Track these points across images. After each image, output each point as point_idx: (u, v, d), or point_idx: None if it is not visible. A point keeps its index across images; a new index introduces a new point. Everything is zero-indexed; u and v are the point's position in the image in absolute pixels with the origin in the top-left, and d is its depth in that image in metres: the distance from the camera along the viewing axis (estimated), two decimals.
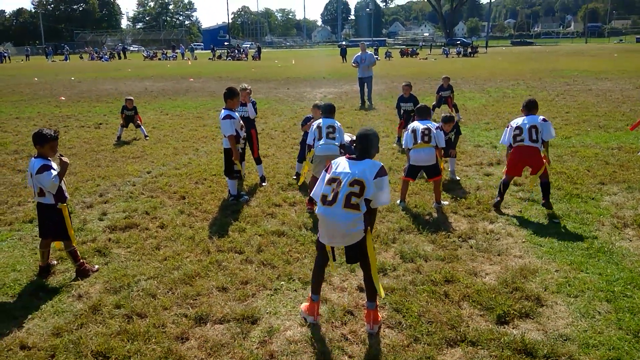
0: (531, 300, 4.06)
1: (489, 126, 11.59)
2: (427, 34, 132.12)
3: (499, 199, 6.21)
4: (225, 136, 6.41)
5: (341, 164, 3.69)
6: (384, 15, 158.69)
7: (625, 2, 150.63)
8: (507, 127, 6.20)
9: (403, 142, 6.57)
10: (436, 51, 62.56)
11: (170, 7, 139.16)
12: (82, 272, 4.59)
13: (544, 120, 6.01)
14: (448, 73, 14.73)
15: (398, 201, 6.42)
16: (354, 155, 3.74)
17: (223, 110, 6.43)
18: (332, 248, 3.83)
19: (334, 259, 3.87)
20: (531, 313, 3.91)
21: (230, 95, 6.41)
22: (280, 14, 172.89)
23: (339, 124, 6.37)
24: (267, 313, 4.04)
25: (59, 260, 4.93)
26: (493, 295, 4.13)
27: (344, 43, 75.82)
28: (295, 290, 4.40)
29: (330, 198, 3.61)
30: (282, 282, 4.51)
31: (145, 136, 10.94)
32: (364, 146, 3.72)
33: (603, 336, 3.56)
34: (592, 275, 4.43)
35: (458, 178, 7.47)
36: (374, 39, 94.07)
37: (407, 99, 10.25)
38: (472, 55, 50.47)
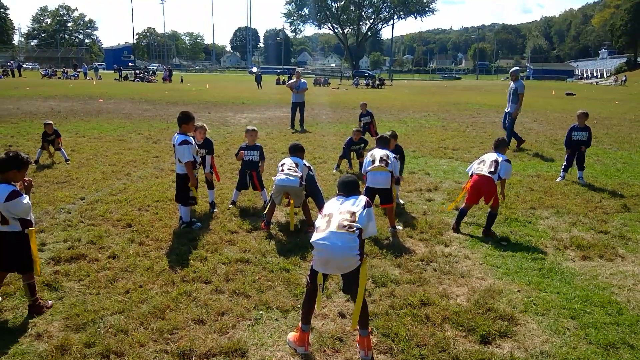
0: (506, 320, 4.29)
1: (416, 154, 12.16)
2: (334, 65, 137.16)
3: (455, 225, 6.61)
4: (180, 162, 6.09)
5: (332, 202, 3.91)
6: (292, 45, 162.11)
7: (508, 44, 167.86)
8: (476, 160, 6.79)
9: (363, 168, 6.73)
10: (345, 82, 64.95)
11: (70, 24, 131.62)
12: (37, 309, 4.11)
13: (506, 160, 6.47)
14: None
15: None
16: (342, 194, 3.97)
17: (178, 135, 6.12)
18: (324, 280, 3.77)
19: (322, 290, 3.81)
20: (509, 332, 4.11)
21: (186, 119, 6.15)
22: (188, 38, 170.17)
23: (304, 162, 6.58)
24: (254, 344, 3.88)
25: (4, 296, 4.36)
26: (471, 317, 4.30)
27: (254, 69, 76.28)
28: (277, 319, 4.26)
29: (323, 227, 3.66)
30: (261, 312, 4.36)
31: (66, 160, 10.15)
32: (350, 190, 3.97)
33: (578, 351, 3.84)
34: (552, 295, 4.78)
35: (402, 202, 7.74)
36: (284, 67, 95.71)
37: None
38: (380, 87, 53.00)
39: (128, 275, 4.98)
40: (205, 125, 7.25)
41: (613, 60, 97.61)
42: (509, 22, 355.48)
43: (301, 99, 16.60)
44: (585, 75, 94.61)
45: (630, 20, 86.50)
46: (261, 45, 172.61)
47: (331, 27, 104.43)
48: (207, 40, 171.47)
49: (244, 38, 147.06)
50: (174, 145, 6.18)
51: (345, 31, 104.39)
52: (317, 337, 3.98)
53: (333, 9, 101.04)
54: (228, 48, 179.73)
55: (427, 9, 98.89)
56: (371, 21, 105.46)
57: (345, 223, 3.63)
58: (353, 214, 3.70)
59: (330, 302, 4.57)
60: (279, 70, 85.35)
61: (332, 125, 17.77)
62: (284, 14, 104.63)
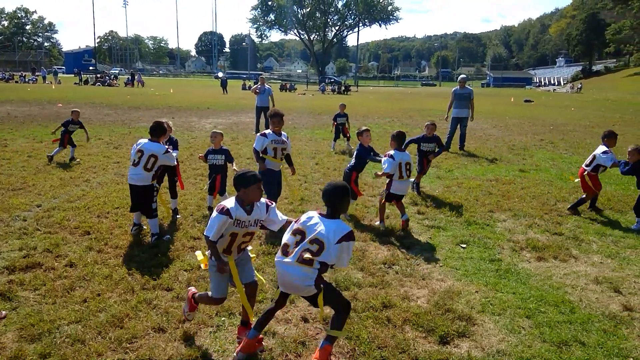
0: (464, 320, 4.39)
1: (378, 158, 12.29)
2: (300, 71, 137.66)
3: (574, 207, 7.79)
4: (148, 171, 5.87)
5: (312, 218, 3.55)
6: (258, 50, 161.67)
7: (469, 52, 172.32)
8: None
9: (386, 168, 6.73)
10: (312, 87, 65.17)
11: (28, 27, 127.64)
12: None
13: (603, 153, 7.58)
14: (327, 108, 15.28)
15: (378, 222, 6.91)
16: (326, 213, 3.56)
17: (153, 143, 5.91)
18: (281, 296, 3.76)
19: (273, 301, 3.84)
20: (467, 332, 4.21)
21: (163, 130, 6.08)
22: (152, 42, 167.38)
23: None
24: (215, 352, 3.85)
25: None
26: (431, 318, 4.39)
27: (220, 74, 75.67)
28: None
29: (290, 249, 3.53)
30: (223, 318, 4.33)
31: (72, 159, 10.82)
32: (331, 203, 3.53)
33: (532, 349, 3.97)
34: (508, 295, 4.93)
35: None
36: (251, 72, 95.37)
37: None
38: (345, 92, 53.42)
39: (86, 283, 4.86)
40: (169, 122, 7.10)
41: (569, 68, 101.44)
42: (470, 30, 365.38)
43: (265, 103, 16.54)
44: (543, 83, 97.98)
45: (586, 30, 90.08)
46: (227, 50, 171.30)
47: (297, 34, 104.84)
48: (172, 45, 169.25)
49: (210, 43, 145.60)
50: (140, 151, 5.88)
51: (312, 37, 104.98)
52: (279, 342, 3.98)
53: (299, 16, 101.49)
54: (193, 52, 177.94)
55: (391, 17, 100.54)
56: (337, 28, 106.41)
57: (307, 256, 3.41)
58: (321, 245, 3.40)
59: (294, 307, 4.58)
60: (245, 76, 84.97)
61: (297, 130, 17.80)
62: (250, 19, 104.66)
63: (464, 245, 6.28)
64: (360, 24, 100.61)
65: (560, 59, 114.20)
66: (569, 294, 4.96)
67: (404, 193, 6.87)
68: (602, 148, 7.64)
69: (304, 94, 49.53)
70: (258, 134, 6.85)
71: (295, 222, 3.66)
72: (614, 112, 30.88)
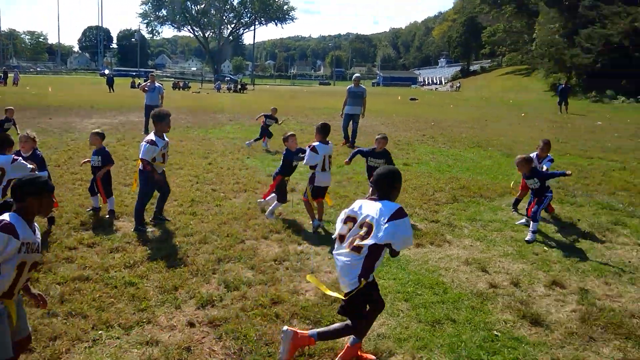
0: None
1: (275, 157, 12.35)
2: (194, 69, 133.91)
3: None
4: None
5: (361, 204, 3.53)
6: (149, 47, 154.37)
7: (361, 52, 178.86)
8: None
9: (305, 161, 6.78)
10: (207, 85, 63.69)
11: None
12: None
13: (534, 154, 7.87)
14: (222, 106, 14.95)
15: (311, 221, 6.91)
16: (374, 197, 3.52)
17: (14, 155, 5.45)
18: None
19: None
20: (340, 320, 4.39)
21: (10, 143, 5.60)
22: (29, 37, 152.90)
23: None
24: None
25: None
26: (317, 309, 4.52)
27: (106, 71, 71.20)
28: (118, 337, 4.03)
29: (345, 238, 3.52)
30: (101, 332, 4.09)
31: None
32: (381, 187, 3.49)
33: (409, 330, 4.24)
34: (389, 281, 5.21)
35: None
36: (141, 69, 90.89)
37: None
38: (242, 91, 52.88)
39: None
40: (32, 134, 6.54)
41: (450, 68, 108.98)
42: (362, 32, 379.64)
43: (155, 102, 15.76)
44: (427, 82, 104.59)
45: (465, 33, 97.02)
46: (114, 46, 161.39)
47: (191, 30, 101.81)
48: (52, 40, 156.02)
49: (95, 38, 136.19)
50: None
51: (207, 35, 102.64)
52: (162, 350, 3.86)
53: (193, 12, 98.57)
54: (76, 48, 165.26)
55: (287, 16, 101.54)
56: (232, 26, 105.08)
57: (357, 243, 3.38)
58: (370, 227, 3.35)
59: (179, 312, 4.47)
60: (134, 73, 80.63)
61: (191, 130, 17.31)
62: (140, 14, 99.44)
63: None
64: (257, 23, 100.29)
65: (442, 59, 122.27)
66: (442, 276, 5.36)
67: (329, 184, 7.03)
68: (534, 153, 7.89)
69: (199, 92, 48.26)
70: (147, 144, 6.38)
71: (347, 210, 3.61)
72: (487, 110, 33.81)
